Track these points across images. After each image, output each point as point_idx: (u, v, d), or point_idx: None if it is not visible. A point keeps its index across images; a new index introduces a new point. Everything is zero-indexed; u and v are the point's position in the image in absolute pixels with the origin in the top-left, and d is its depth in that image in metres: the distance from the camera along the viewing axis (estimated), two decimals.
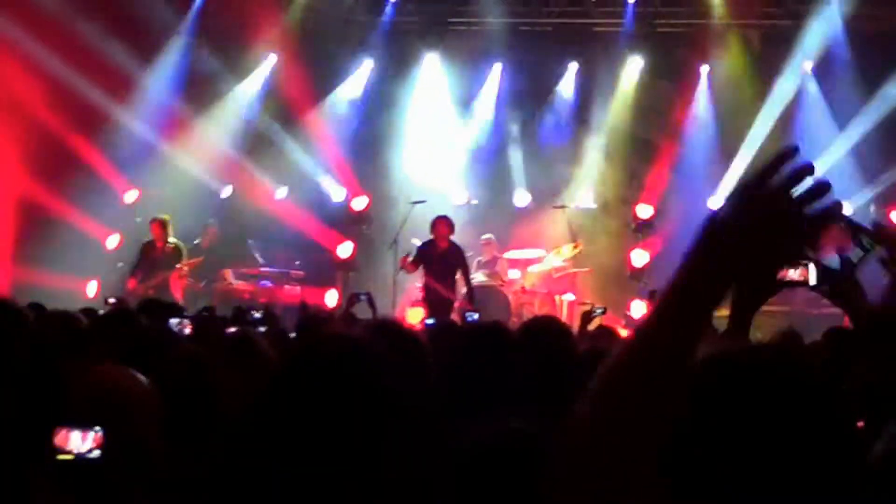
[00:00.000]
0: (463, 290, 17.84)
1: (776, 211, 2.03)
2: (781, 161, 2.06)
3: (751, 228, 2.03)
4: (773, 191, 2.04)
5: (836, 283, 2.21)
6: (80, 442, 3.55)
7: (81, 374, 4.04)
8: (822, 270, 3.40)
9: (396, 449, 2.52)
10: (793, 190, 2.04)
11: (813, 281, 3.65)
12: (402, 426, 2.54)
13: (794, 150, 2.06)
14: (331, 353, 2.63)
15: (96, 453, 3.55)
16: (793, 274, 3.68)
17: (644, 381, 2.03)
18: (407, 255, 18.04)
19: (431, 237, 17.86)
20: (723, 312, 2.71)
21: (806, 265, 3.64)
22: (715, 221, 2.07)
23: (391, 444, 2.51)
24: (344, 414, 2.50)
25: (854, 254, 2.21)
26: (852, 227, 2.16)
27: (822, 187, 2.04)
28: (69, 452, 3.53)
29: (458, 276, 17.82)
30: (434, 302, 17.28)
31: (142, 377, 4.07)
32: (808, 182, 2.04)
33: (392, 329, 4.63)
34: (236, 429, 3.86)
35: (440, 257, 17.65)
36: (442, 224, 17.80)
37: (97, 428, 3.56)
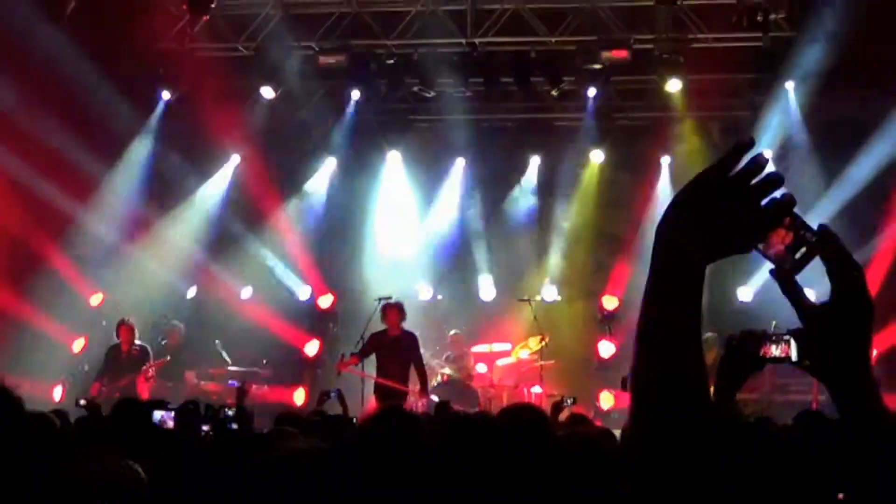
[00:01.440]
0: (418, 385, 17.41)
1: (733, 199, 2.10)
2: (739, 153, 2.13)
3: (708, 212, 2.10)
4: (730, 180, 2.11)
5: (779, 274, 2.26)
6: None
7: (83, 464, 4.05)
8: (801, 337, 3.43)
9: None
10: (748, 181, 2.11)
11: (794, 357, 3.67)
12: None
13: (750, 143, 2.14)
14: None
15: None
16: (774, 350, 3.71)
17: (661, 356, 2.13)
18: (342, 355, 17.67)
19: (384, 327, 17.58)
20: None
21: (788, 341, 3.66)
22: (678, 199, 2.15)
23: None
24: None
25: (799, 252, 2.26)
26: (797, 223, 2.21)
27: (776, 179, 2.11)
28: None
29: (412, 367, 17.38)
30: (386, 393, 16.71)
31: (137, 467, 4.07)
32: (762, 175, 2.11)
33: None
34: None
35: (392, 345, 17.37)
36: (393, 311, 17.48)
37: None
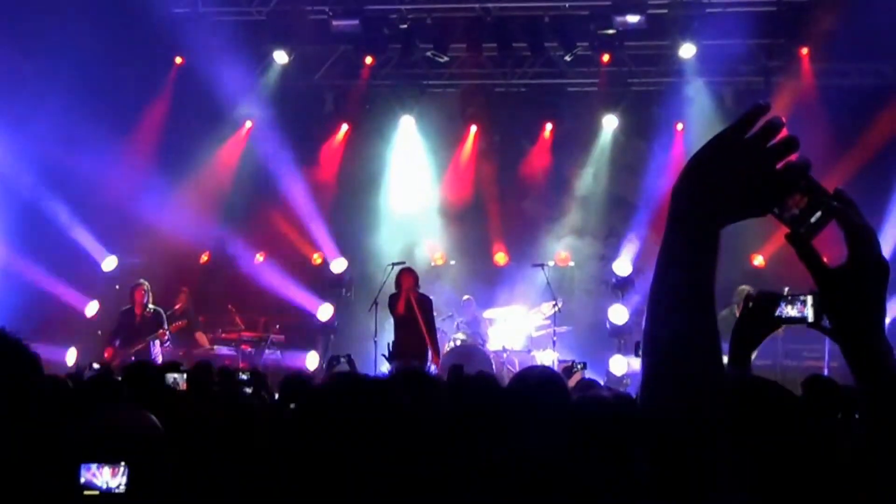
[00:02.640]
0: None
1: (748, 161, 2.12)
2: (755, 116, 2.14)
3: (724, 174, 2.12)
4: (745, 142, 2.13)
5: (794, 238, 2.27)
6: (109, 477, 3.62)
7: (104, 415, 4.10)
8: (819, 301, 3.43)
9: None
10: (764, 143, 2.13)
11: (811, 318, 3.68)
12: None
13: (766, 107, 2.15)
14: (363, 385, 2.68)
15: (123, 487, 3.62)
16: (791, 311, 3.73)
17: (675, 317, 2.14)
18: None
19: (396, 291, 17.48)
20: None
21: (804, 302, 3.67)
22: (694, 162, 2.17)
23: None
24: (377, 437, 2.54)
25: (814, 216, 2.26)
26: (813, 186, 2.21)
27: (792, 143, 2.13)
28: (96, 488, 3.58)
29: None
30: (404, 356, 16.68)
31: (154, 418, 4.12)
32: (778, 138, 2.13)
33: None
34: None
35: (407, 310, 17.29)
36: (407, 277, 17.29)
37: (122, 463, 3.63)
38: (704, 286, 2.15)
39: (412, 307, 16.99)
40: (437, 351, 17.09)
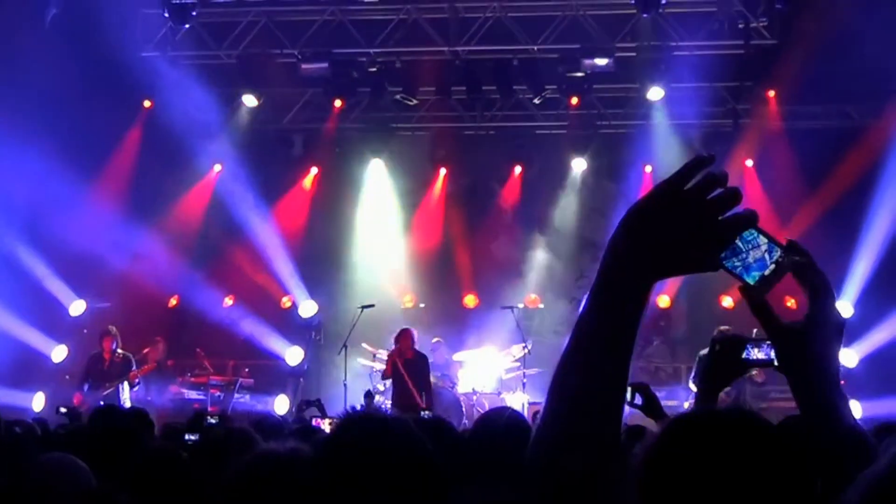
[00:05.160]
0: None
1: (688, 213, 2.04)
2: (699, 166, 2.07)
3: (662, 226, 2.05)
4: (689, 192, 2.05)
5: (747, 291, 2.24)
6: None
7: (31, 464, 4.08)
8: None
9: None
10: (704, 195, 2.05)
11: (777, 361, 3.69)
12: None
13: (710, 159, 2.09)
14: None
15: None
16: (757, 354, 3.73)
17: (587, 366, 2.08)
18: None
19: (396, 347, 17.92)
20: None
21: (770, 344, 3.67)
22: (632, 213, 2.09)
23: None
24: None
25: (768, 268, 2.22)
26: (767, 238, 2.18)
27: (734, 195, 2.06)
28: None
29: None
30: (404, 409, 17.03)
31: (83, 464, 4.11)
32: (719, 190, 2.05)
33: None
34: None
35: (407, 366, 17.71)
36: (407, 336, 18.01)
37: None
38: (624, 339, 2.08)
39: (398, 369, 17.62)
40: (430, 405, 17.33)
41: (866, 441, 2.54)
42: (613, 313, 2.08)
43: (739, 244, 2.15)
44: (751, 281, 2.17)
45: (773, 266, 2.16)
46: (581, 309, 2.13)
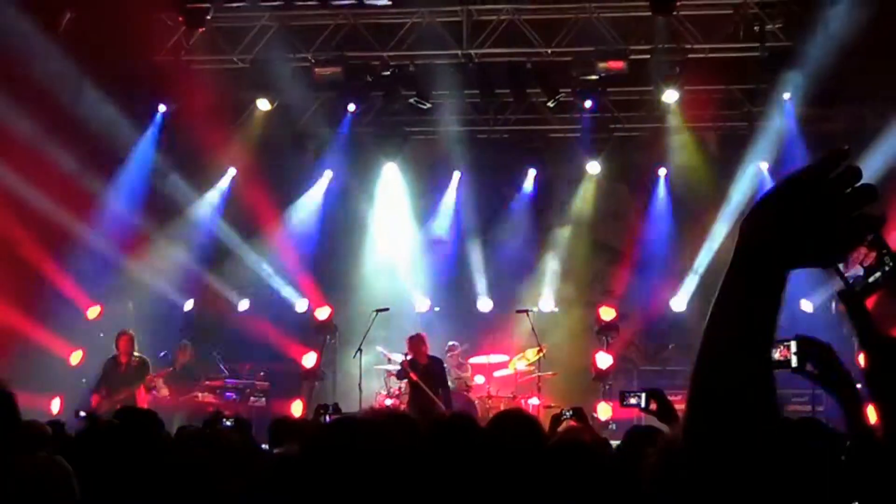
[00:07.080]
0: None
1: (824, 205, 1.96)
2: (836, 159, 1.98)
3: (797, 214, 1.96)
4: (824, 184, 1.97)
5: (847, 295, 2.13)
6: None
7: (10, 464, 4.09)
8: (803, 347, 3.37)
9: None
10: (843, 188, 1.96)
11: (795, 363, 3.64)
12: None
13: (846, 152, 1.99)
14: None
15: None
16: (775, 355, 3.68)
17: (723, 367, 2.00)
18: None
19: (410, 355, 17.97)
20: None
21: (788, 346, 3.63)
22: (768, 196, 2.02)
23: None
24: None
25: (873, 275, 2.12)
26: (880, 243, 2.07)
27: (872, 192, 1.96)
28: None
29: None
30: (423, 412, 17.02)
31: (65, 462, 4.13)
32: (857, 185, 1.96)
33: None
34: None
35: (423, 371, 17.83)
36: (420, 342, 18.10)
37: None
38: (763, 329, 2.00)
39: (428, 370, 17.87)
40: (450, 407, 17.51)
41: None
42: (750, 302, 2.00)
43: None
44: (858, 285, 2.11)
45: (878, 274, 2.11)
46: (714, 304, 2.02)
